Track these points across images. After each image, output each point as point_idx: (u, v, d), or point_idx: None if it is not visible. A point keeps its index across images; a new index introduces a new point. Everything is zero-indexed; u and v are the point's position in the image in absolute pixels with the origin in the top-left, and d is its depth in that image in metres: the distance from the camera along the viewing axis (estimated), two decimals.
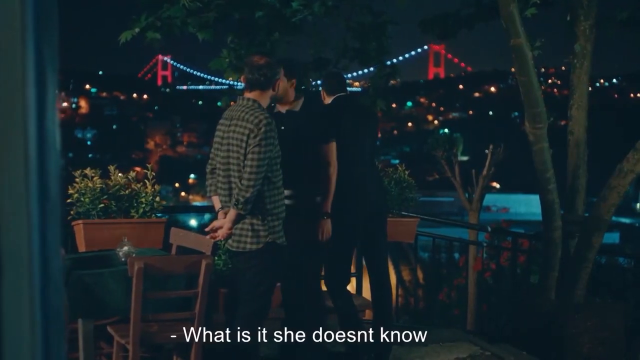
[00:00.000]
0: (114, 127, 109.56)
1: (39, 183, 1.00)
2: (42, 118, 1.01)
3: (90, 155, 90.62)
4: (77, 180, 4.90)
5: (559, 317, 5.47)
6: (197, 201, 72.61)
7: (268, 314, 4.14)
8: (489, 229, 8.16)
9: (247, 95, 4.03)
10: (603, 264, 7.37)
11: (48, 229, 1.01)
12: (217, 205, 4.14)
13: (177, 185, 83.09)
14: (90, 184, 4.88)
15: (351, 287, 5.70)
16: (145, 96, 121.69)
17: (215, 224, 4.07)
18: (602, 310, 5.61)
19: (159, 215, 5.26)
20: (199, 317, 3.87)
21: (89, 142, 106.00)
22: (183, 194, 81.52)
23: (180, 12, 5.22)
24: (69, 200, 4.91)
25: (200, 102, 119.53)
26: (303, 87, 5.94)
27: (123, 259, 4.13)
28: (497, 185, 65.79)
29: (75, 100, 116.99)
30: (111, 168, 5.09)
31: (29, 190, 0.98)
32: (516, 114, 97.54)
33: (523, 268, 7.68)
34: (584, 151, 5.81)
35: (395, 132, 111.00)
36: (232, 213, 3.95)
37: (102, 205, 4.90)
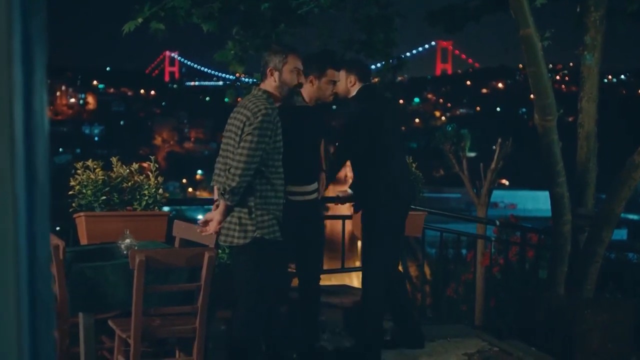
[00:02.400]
0: (121, 123, 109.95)
1: (25, 165, 0.94)
2: (29, 98, 0.95)
3: (97, 151, 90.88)
4: (78, 172, 4.84)
5: (568, 312, 5.40)
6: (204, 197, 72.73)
7: (265, 313, 4.01)
8: (498, 223, 8.09)
9: (260, 86, 4.02)
10: (612, 259, 7.29)
11: (36, 215, 0.96)
12: (215, 195, 4.03)
13: (184, 181, 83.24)
14: (92, 176, 4.81)
15: (359, 280, 5.62)
16: (152, 92, 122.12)
17: (207, 216, 3.95)
18: (612, 306, 5.54)
19: (164, 208, 5.19)
20: (202, 311, 3.80)
21: (96, 138, 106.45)
22: (190, 189, 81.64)
23: (184, 2, 5.16)
24: (70, 192, 4.85)
25: (207, 98, 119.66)
26: None
27: (125, 252, 4.08)
28: (507, 182, 65.64)
29: (83, 96, 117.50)
30: (114, 160, 5.01)
31: (14, 173, 0.93)
32: (524, 110, 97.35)
33: (532, 263, 7.61)
34: (594, 144, 5.73)
35: (403, 128, 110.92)
36: (222, 205, 3.83)
37: (104, 197, 4.83)
